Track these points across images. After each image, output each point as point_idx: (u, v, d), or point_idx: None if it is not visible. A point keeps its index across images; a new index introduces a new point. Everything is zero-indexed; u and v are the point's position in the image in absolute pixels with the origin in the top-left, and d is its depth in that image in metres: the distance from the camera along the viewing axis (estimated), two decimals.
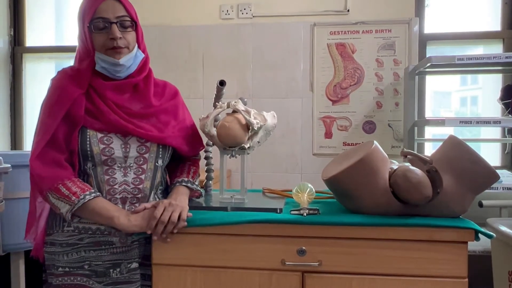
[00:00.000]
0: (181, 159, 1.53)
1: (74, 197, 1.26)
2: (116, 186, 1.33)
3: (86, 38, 1.31)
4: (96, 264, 1.32)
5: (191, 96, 2.90)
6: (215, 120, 1.47)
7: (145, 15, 2.86)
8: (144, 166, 1.37)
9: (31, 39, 3.26)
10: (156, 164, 1.39)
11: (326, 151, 2.81)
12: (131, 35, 1.34)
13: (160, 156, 1.39)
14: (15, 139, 3.21)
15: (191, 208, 1.37)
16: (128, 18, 1.32)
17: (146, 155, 1.36)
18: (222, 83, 1.48)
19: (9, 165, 2.02)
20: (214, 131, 1.43)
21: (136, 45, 1.36)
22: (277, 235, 1.30)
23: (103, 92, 1.33)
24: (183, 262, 1.33)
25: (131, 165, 1.35)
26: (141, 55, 1.38)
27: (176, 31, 2.94)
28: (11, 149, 3.18)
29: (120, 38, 1.30)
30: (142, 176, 1.36)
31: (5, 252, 2.15)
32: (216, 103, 1.48)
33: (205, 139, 1.55)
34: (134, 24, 1.34)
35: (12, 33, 3.20)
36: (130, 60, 1.33)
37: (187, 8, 2.95)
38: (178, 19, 2.95)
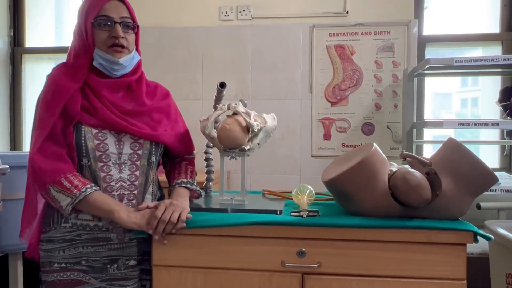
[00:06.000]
0: (176, 158, 1.55)
1: (75, 190, 1.27)
2: (113, 183, 1.35)
3: (86, 34, 1.34)
4: (93, 260, 1.34)
5: (190, 98, 2.91)
6: (216, 122, 1.47)
7: (145, 16, 2.87)
8: (138, 163, 1.38)
9: (31, 40, 3.26)
10: (149, 160, 1.41)
11: (325, 153, 2.83)
12: (131, 37, 1.38)
13: (153, 153, 1.41)
14: (15, 140, 3.21)
15: (192, 209, 1.37)
16: (130, 20, 1.37)
17: (140, 152, 1.39)
18: (222, 85, 1.49)
19: (7, 166, 2.03)
20: (214, 133, 1.44)
21: (134, 47, 1.40)
22: (277, 237, 1.30)
23: (98, 90, 1.35)
24: (183, 263, 1.34)
25: (125, 161, 1.37)
26: (138, 57, 1.42)
27: (175, 32, 2.94)
28: (11, 150, 3.18)
29: (123, 37, 1.34)
30: (137, 173, 1.38)
31: (3, 253, 2.16)
32: (217, 105, 1.49)
33: (205, 141, 1.55)
34: (136, 27, 1.39)
35: (12, 33, 3.20)
36: (128, 61, 1.37)
37: (186, 9, 2.95)
38: (177, 21, 2.95)
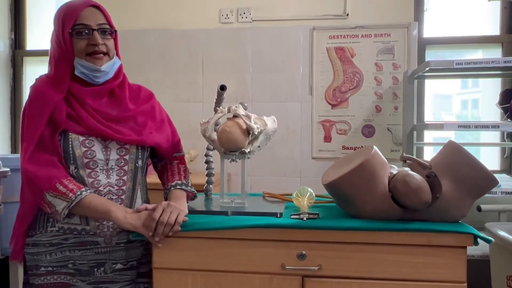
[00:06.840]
0: (166, 158, 1.55)
1: (71, 194, 1.28)
2: (101, 188, 1.35)
3: (65, 43, 1.34)
4: (80, 263, 1.34)
5: (190, 100, 2.91)
6: (216, 124, 1.48)
7: (145, 19, 2.87)
8: (125, 168, 1.39)
9: (31, 43, 3.27)
10: (136, 165, 1.42)
11: (325, 155, 2.82)
12: (111, 42, 1.38)
13: (140, 157, 1.42)
14: (15, 143, 3.21)
15: (192, 212, 1.37)
16: (108, 26, 1.37)
17: (127, 157, 1.40)
18: (222, 87, 1.49)
19: (8, 169, 2.03)
20: (214, 136, 1.44)
21: (115, 52, 1.40)
22: (278, 240, 1.30)
23: (82, 98, 1.35)
24: (183, 266, 1.34)
25: (113, 167, 1.38)
26: (119, 62, 1.43)
27: (176, 34, 2.94)
28: (12, 152, 3.18)
29: (102, 44, 1.34)
30: (125, 178, 1.39)
31: (3, 255, 2.15)
32: (217, 108, 1.49)
33: (205, 143, 1.55)
34: (114, 32, 1.39)
35: (12, 36, 3.21)
36: (109, 67, 1.38)
37: (187, 12, 2.96)
38: (178, 23, 2.95)
